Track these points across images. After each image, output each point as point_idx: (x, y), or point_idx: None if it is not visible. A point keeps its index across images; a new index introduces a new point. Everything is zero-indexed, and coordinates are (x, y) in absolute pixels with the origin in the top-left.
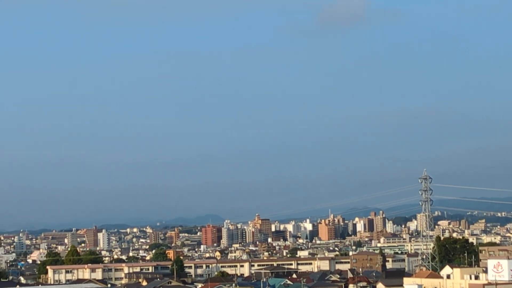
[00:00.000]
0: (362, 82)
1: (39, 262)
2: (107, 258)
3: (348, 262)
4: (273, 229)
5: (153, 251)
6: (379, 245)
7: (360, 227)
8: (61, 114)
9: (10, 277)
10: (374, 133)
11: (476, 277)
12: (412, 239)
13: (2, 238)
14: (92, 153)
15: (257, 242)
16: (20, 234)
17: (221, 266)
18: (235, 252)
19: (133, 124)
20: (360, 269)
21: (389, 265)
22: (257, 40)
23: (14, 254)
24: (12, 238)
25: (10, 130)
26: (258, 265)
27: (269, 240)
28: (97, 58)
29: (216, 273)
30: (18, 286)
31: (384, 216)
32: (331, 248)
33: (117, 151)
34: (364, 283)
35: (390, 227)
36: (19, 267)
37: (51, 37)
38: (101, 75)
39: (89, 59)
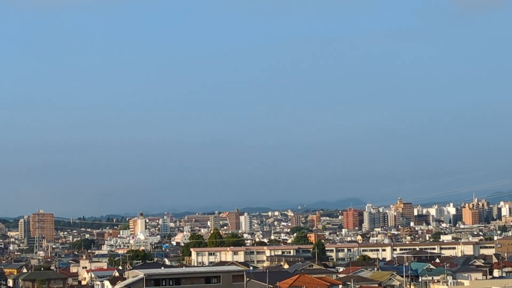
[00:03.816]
0: (504, 65)
1: (182, 244)
2: (249, 241)
3: (493, 247)
4: (415, 213)
5: (295, 234)
6: None
7: (505, 211)
8: (210, 99)
9: (155, 259)
10: None
11: None
12: None
13: (147, 220)
14: (236, 136)
15: (399, 226)
16: (165, 217)
17: (363, 250)
18: (376, 236)
19: (278, 108)
20: (505, 254)
21: None
22: (394, 24)
23: (158, 236)
24: (157, 221)
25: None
26: (400, 249)
27: (411, 224)
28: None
29: (357, 257)
30: (162, 267)
31: None
32: (475, 233)
33: (260, 134)
34: (510, 268)
35: None
36: (163, 249)
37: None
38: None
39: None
